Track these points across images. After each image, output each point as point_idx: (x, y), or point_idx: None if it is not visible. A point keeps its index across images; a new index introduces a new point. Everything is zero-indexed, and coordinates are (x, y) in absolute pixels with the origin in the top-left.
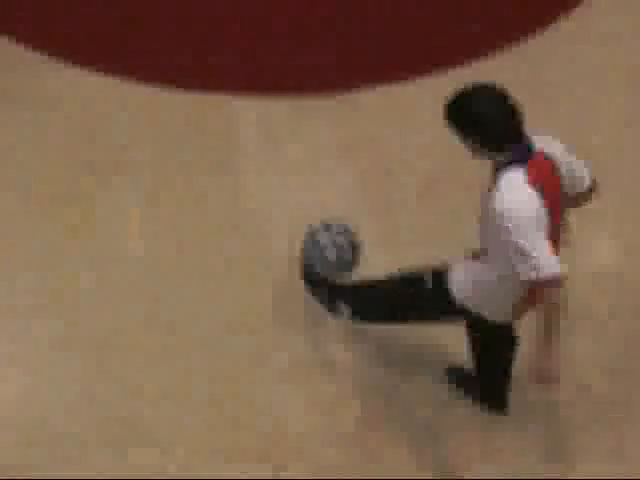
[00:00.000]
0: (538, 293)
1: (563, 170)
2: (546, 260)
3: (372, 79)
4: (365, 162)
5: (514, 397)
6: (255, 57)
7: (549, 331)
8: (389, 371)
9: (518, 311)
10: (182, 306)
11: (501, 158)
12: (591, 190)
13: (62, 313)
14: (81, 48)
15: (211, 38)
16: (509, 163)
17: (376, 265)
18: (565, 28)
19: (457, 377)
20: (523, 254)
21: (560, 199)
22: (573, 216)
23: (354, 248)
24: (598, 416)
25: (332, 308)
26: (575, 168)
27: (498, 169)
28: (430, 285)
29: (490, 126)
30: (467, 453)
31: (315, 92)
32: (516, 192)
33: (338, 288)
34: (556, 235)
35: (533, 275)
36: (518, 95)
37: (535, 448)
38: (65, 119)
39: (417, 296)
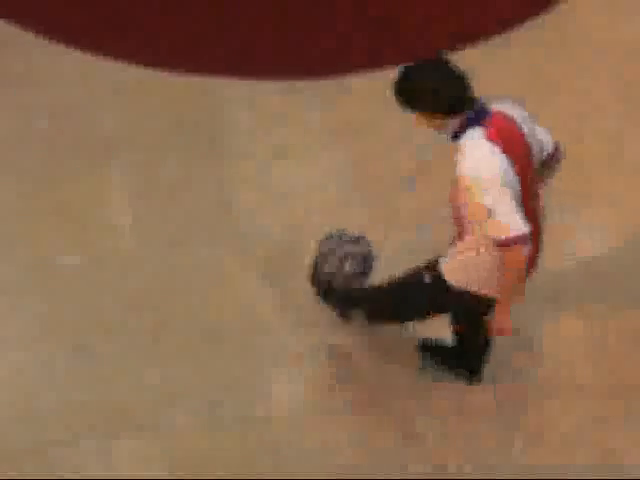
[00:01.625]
0: (505, 257)
1: (526, 132)
2: (512, 219)
3: (361, 64)
4: (356, 146)
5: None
6: (246, 39)
7: (508, 292)
8: (386, 356)
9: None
10: (170, 287)
11: (456, 124)
12: (554, 157)
13: (49, 293)
14: (69, 28)
15: (201, 20)
16: (465, 126)
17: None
18: (563, 11)
19: (430, 348)
20: (490, 215)
21: (529, 159)
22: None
23: (369, 258)
24: (582, 401)
25: (345, 314)
26: (537, 133)
27: (455, 135)
28: (429, 280)
29: (440, 91)
30: (453, 441)
31: (305, 76)
32: (476, 150)
33: (350, 296)
34: (536, 196)
35: (502, 236)
36: (517, 80)
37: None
38: (51, 98)
39: (420, 294)
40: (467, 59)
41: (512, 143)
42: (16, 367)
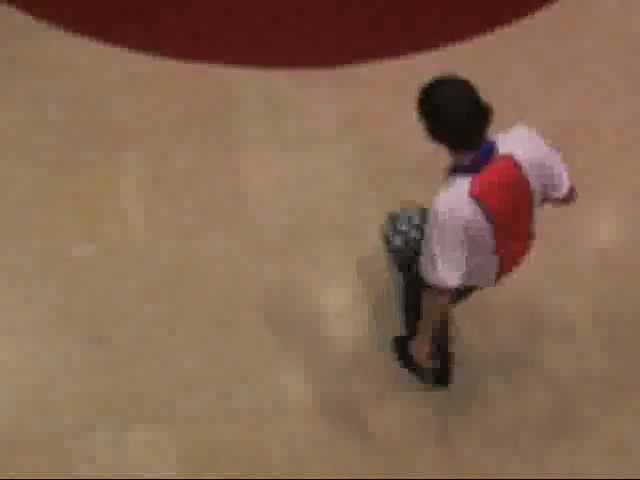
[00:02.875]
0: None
1: (534, 174)
2: (447, 274)
3: (373, 53)
4: (368, 136)
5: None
6: (256, 29)
7: (428, 324)
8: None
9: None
10: (185, 278)
11: (455, 160)
12: (565, 199)
13: (64, 283)
14: (83, 17)
15: (213, 9)
16: (459, 169)
17: (375, 240)
18: (569, 2)
19: (402, 347)
20: (433, 258)
21: (525, 207)
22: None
23: None
24: (597, 394)
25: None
26: (554, 173)
27: (450, 172)
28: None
29: (449, 126)
30: (464, 435)
31: (316, 66)
32: (451, 199)
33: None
34: (521, 236)
35: (431, 280)
36: (520, 70)
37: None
38: (65, 88)
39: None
40: (481, 48)
41: (504, 191)
42: (32, 356)
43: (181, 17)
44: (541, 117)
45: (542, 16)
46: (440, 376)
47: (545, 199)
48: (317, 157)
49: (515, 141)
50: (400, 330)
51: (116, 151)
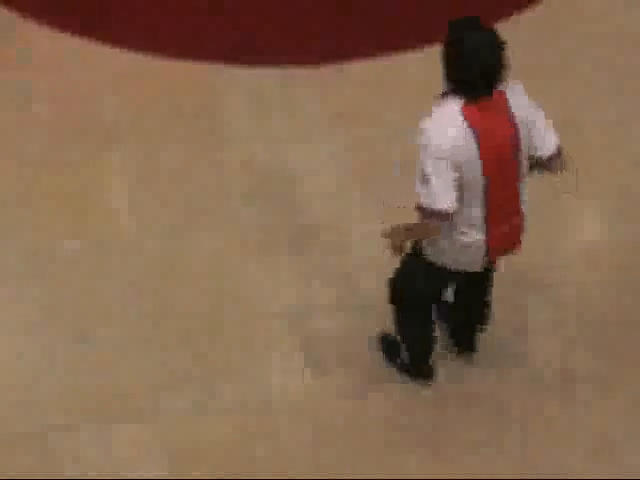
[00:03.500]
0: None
1: (524, 127)
2: (441, 193)
3: (360, 52)
4: (355, 132)
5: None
6: (243, 27)
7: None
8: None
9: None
10: (170, 273)
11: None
12: (553, 160)
13: (49, 278)
14: (69, 15)
15: (200, 6)
16: (453, 92)
17: (364, 233)
18: (554, 2)
19: (388, 345)
20: (425, 178)
21: (510, 151)
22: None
23: None
24: (582, 393)
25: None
26: (540, 131)
27: (444, 95)
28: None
29: (471, 75)
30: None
31: (302, 64)
32: (445, 118)
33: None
34: (511, 203)
35: (426, 203)
36: (515, 69)
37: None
38: (51, 86)
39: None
40: None
41: (494, 128)
42: (16, 352)
43: (167, 16)
44: None
45: (527, 16)
46: (423, 370)
47: (532, 159)
48: (303, 156)
49: (511, 88)
50: (385, 329)
51: (102, 150)
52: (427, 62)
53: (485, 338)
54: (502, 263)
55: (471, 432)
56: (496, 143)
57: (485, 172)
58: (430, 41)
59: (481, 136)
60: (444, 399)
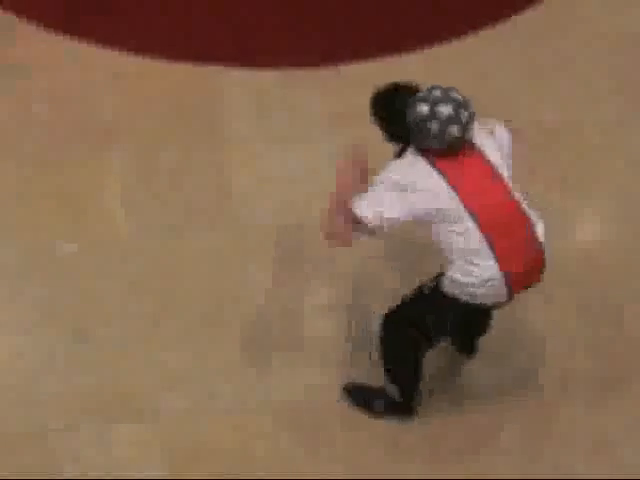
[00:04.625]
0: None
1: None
2: (365, 205)
3: (359, 54)
4: (354, 132)
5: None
6: (242, 28)
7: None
8: None
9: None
10: (169, 273)
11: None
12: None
13: (48, 278)
14: (68, 16)
15: (199, 8)
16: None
17: (359, 239)
18: (554, 2)
19: (357, 394)
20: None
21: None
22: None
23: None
24: (580, 393)
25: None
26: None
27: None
28: (427, 291)
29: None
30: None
31: (302, 65)
32: (406, 160)
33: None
34: (517, 230)
35: (356, 210)
36: (505, 70)
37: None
38: (50, 87)
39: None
40: (466, 49)
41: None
42: (16, 352)
43: (167, 17)
44: (526, 117)
45: (527, 16)
46: (414, 400)
47: None
48: (302, 156)
49: (491, 145)
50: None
51: (101, 150)
52: (427, 62)
53: (485, 338)
54: None
55: (471, 432)
56: (475, 175)
57: (482, 228)
58: (430, 42)
59: (456, 181)
60: (444, 399)
